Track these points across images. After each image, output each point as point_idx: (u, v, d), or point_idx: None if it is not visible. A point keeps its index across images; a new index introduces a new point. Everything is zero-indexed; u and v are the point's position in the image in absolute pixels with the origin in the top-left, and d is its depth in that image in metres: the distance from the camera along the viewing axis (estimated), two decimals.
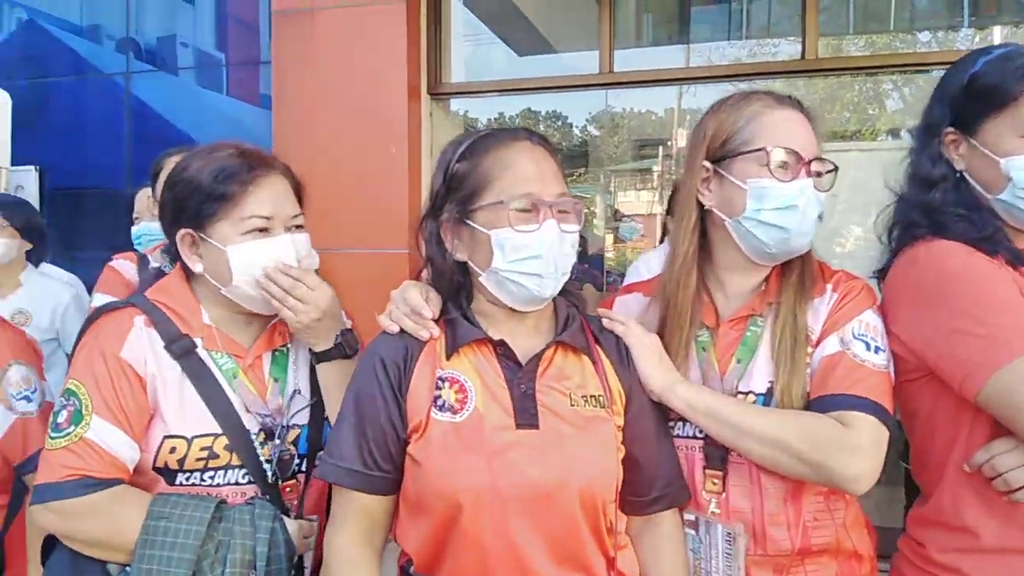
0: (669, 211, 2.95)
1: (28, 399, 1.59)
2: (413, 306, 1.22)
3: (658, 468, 1.23)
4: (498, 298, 1.20)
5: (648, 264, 2.68)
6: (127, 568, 1.21)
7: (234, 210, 1.28)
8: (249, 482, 1.28)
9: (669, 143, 7.97)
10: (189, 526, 1.17)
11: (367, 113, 3.97)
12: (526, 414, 1.14)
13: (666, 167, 8.15)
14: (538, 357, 1.18)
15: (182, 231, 1.32)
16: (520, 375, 1.17)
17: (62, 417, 1.22)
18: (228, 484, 1.28)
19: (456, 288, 1.23)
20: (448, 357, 1.18)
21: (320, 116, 4.03)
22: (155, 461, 1.25)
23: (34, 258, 2.93)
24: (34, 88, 4.37)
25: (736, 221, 1.26)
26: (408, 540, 1.17)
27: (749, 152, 1.24)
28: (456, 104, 4.45)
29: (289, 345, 1.39)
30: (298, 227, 1.35)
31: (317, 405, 1.36)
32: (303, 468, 1.35)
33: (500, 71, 5.03)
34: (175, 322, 1.30)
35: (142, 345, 1.27)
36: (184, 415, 1.26)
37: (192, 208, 1.30)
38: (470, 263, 1.21)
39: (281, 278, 1.27)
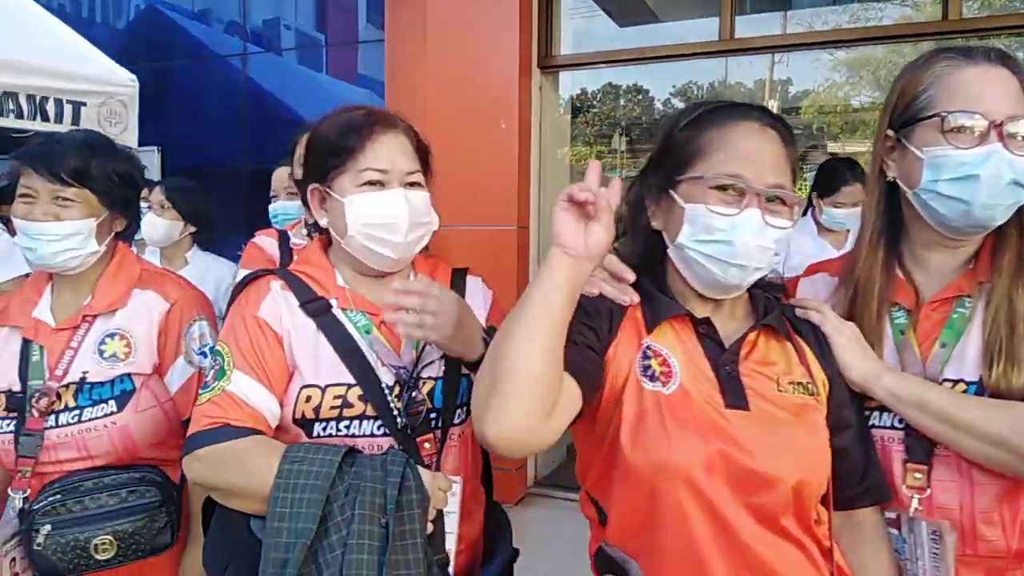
0: (815, 187, 2.81)
1: (205, 354, 1.64)
2: (613, 270, 1.19)
3: (861, 461, 1.16)
4: (685, 277, 1.17)
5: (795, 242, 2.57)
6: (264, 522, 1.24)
7: (352, 163, 1.33)
8: (384, 434, 1.30)
9: (798, 111, 7.65)
10: (320, 468, 1.18)
11: (478, 88, 3.96)
12: (735, 395, 1.10)
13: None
14: (741, 339, 1.14)
15: (311, 186, 1.40)
16: (724, 355, 1.13)
17: (209, 375, 1.31)
18: (364, 435, 1.29)
19: (649, 260, 1.20)
20: (649, 330, 1.15)
21: (431, 91, 4.04)
22: (294, 413, 1.29)
23: (201, 240, 3.05)
24: (154, 71, 4.51)
25: (915, 193, 1.18)
26: (610, 501, 1.15)
27: (927, 118, 1.15)
28: (564, 77, 4.38)
29: None
30: (415, 184, 1.36)
31: (452, 360, 1.36)
32: (440, 424, 1.35)
33: (602, 42, 4.90)
34: (311, 286, 1.37)
35: (277, 305, 1.34)
36: (318, 366, 1.30)
37: (319, 163, 1.38)
38: (664, 233, 1.18)
39: (406, 299, 1.24)
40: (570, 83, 4.56)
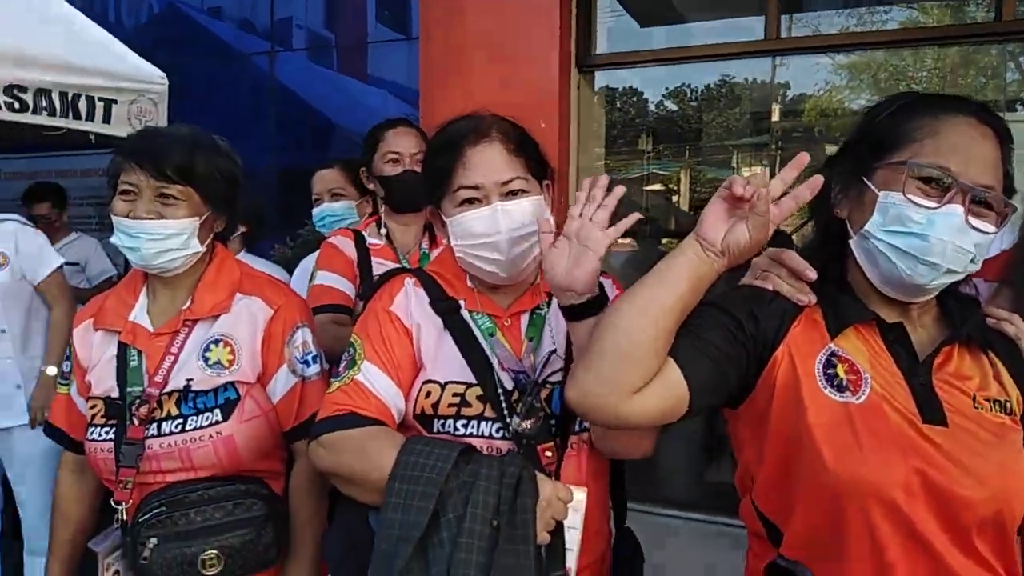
0: None
1: (307, 363, 1.57)
2: (794, 266, 1.13)
3: None
4: (866, 273, 1.10)
5: None
6: None
7: (449, 183, 1.32)
8: (503, 437, 1.28)
9: (799, 114, 7.62)
10: (436, 462, 1.15)
11: (517, 89, 3.88)
12: (931, 409, 1.04)
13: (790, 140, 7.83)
14: (938, 349, 1.08)
15: (429, 209, 1.41)
16: (918, 366, 1.06)
17: (341, 365, 1.32)
18: (482, 436, 1.28)
19: (830, 255, 1.15)
20: (833, 334, 1.09)
21: (469, 92, 3.97)
22: (415, 408, 1.30)
23: (249, 241, 2.99)
24: (172, 69, 4.43)
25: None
26: (788, 517, 1.08)
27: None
28: (600, 77, 4.33)
29: (544, 305, 1.39)
30: (516, 192, 1.29)
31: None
32: (559, 431, 1.30)
33: (633, 42, 4.85)
34: (443, 286, 1.38)
35: (408, 300, 1.36)
36: (440, 363, 1.31)
37: (430, 184, 1.37)
38: (848, 222, 1.12)
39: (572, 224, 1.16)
40: (606, 83, 4.50)
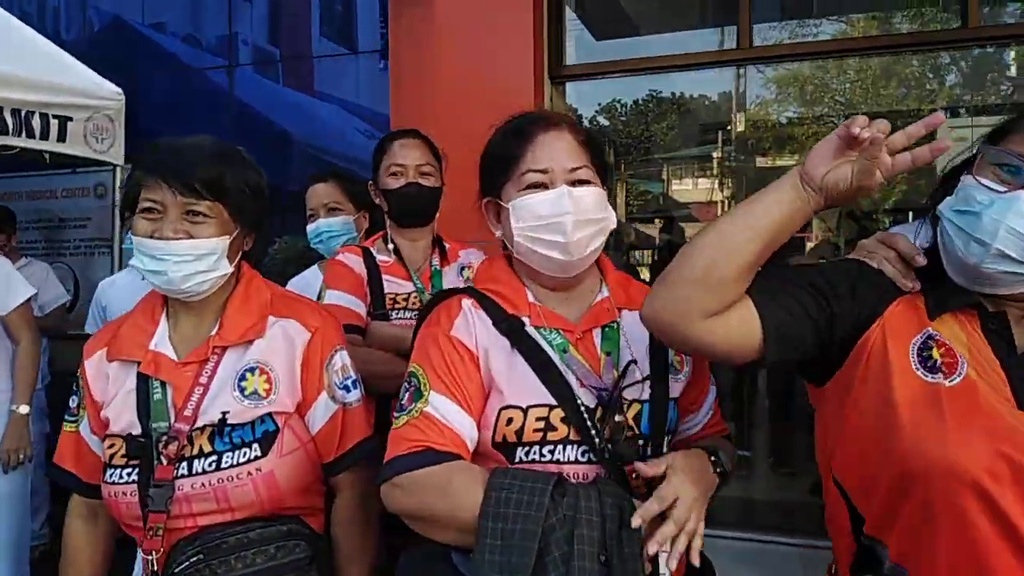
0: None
1: (348, 388, 1.46)
2: (904, 250, 1.13)
3: None
4: (942, 258, 1.10)
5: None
6: (470, 555, 1.13)
7: (515, 169, 1.29)
8: (590, 461, 1.21)
9: (728, 127, 7.79)
10: (531, 497, 1.09)
11: (489, 99, 3.83)
12: None
13: (725, 152, 7.99)
14: None
15: (485, 200, 1.36)
16: (1015, 356, 1.05)
17: (405, 398, 1.24)
18: (568, 462, 1.21)
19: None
20: (932, 317, 1.08)
21: (440, 102, 3.90)
22: (494, 436, 1.22)
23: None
24: (124, 85, 4.24)
25: None
26: (871, 498, 1.06)
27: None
28: (571, 88, 4.31)
29: (619, 320, 1.33)
30: (582, 181, 1.28)
31: (659, 384, 1.29)
32: (648, 452, 1.25)
33: (601, 54, 4.86)
34: (502, 304, 1.30)
35: (470, 324, 1.28)
36: (516, 386, 1.23)
37: (489, 175, 1.35)
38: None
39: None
40: (582, 94, 4.49)
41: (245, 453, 1.32)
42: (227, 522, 1.31)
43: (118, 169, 3.89)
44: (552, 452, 1.20)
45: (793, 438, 4.55)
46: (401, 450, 1.17)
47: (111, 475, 1.34)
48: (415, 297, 2.04)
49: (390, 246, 2.10)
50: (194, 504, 1.30)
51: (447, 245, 2.18)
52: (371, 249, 2.10)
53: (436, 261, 2.12)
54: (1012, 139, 1.05)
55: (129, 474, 1.32)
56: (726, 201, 7.79)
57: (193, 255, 1.32)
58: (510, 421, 1.20)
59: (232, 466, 1.31)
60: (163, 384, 1.36)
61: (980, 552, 0.95)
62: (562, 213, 1.25)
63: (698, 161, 8.32)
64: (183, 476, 1.30)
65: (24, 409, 2.78)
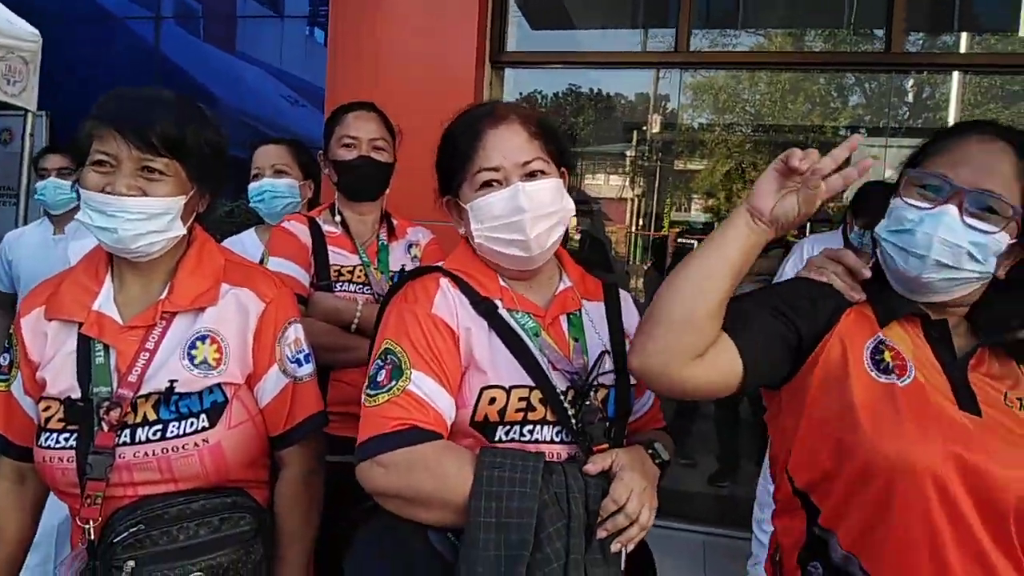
0: (852, 206, 2.88)
1: (300, 362, 1.43)
2: (850, 264, 1.22)
3: None
4: (886, 274, 1.20)
5: (814, 248, 2.65)
6: (449, 535, 1.16)
7: (469, 167, 1.29)
8: (563, 441, 1.25)
9: (644, 128, 7.97)
10: (524, 475, 1.12)
11: (430, 80, 3.80)
12: (967, 399, 1.10)
13: (639, 152, 8.17)
14: (974, 349, 1.15)
15: (445, 199, 1.37)
16: (954, 360, 1.14)
17: (381, 375, 1.21)
18: (545, 441, 1.24)
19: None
20: (882, 325, 1.16)
21: (380, 78, 3.84)
22: (474, 415, 1.22)
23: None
24: (39, 27, 3.98)
25: None
26: (828, 493, 1.13)
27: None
28: (510, 75, 4.30)
29: (581, 310, 1.38)
30: (535, 173, 1.29)
31: (622, 372, 1.33)
32: (612, 434, 1.30)
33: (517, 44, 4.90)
34: (474, 287, 1.31)
35: (450, 303, 1.28)
36: (499, 367, 1.24)
37: (444, 174, 1.36)
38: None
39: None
40: (514, 82, 4.48)
41: (192, 423, 1.28)
42: (169, 493, 1.26)
43: (29, 115, 3.66)
44: (531, 432, 1.23)
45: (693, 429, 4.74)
46: (384, 428, 1.15)
47: (46, 439, 1.27)
48: (360, 270, 2.01)
49: (337, 218, 2.07)
50: (135, 473, 1.25)
51: (395, 221, 2.15)
52: (317, 219, 2.06)
53: (384, 236, 2.09)
54: (931, 161, 1.15)
55: (67, 439, 1.26)
56: (636, 199, 7.99)
57: (146, 214, 1.26)
58: (492, 400, 1.22)
59: (178, 436, 1.26)
60: (106, 347, 1.30)
61: (934, 540, 1.03)
62: (518, 211, 1.26)
63: (611, 158, 8.48)
64: (125, 444, 1.25)
65: None
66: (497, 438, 1.22)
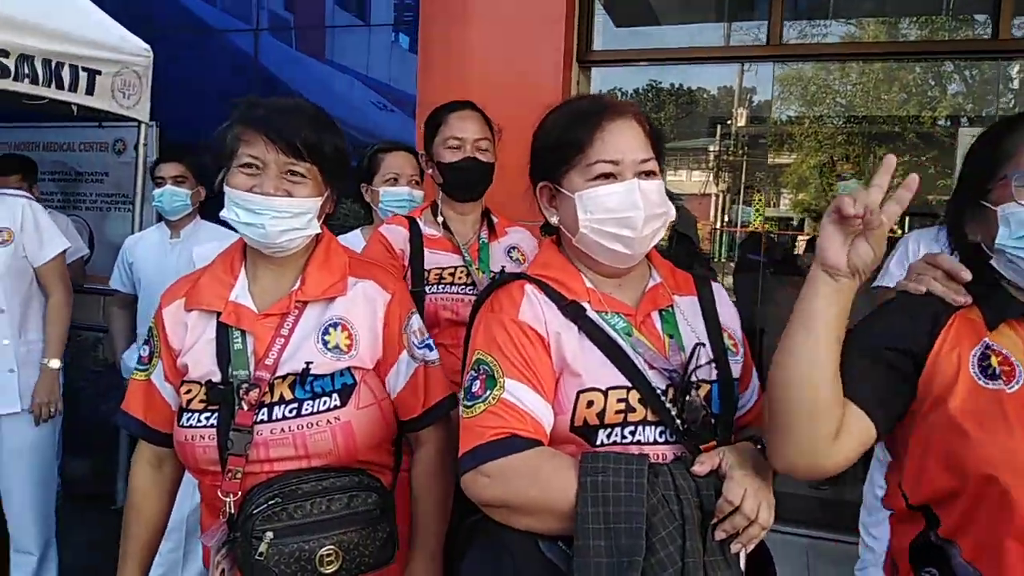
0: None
1: (427, 348, 1.52)
2: (949, 268, 1.18)
3: None
4: (1015, 283, 1.15)
5: (919, 244, 2.59)
6: (559, 542, 1.17)
7: (582, 157, 1.28)
8: (667, 441, 1.23)
9: (728, 122, 7.83)
10: (629, 479, 1.10)
11: (518, 81, 3.85)
12: None
13: (723, 147, 8.04)
14: None
15: (540, 184, 1.36)
16: None
17: (476, 386, 1.23)
18: (648, 443, 1.22)
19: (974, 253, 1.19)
20: (991, 328, 1.13)
21: (468, 82, 3.92)
22: (573, 420, 1.22)
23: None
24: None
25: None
26: (932, 497, 1.11)
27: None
28: (596, 74, 4.33)
29: (673, 306, 1.36)
30: (649, 173, 1.29)
31: (723, 365, 1.32)
32: (719, 431, 1.28)
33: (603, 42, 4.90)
34: (560, 291, 1.31)
35: (537, 308, 1.28)
36: (593, 369, 1.24)
37: (547, 160, 1.34)
38: (982, 245, 1.17)
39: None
40: (600, 81, 4.51)
41: (325, 402, 1.37)
42: (303, 469, 1.35)
43: (143, 126, 3.88)
44: (633, 433, 1.21)
45: None
46: (484, 438, 1.16)
47: (188, 419, 1.38)
48: (462, 271, 2.06)
49: (439, 219, 2.13)
50: (271, 449, 1.34)
51: (495, 219, 2.21)
52: (418, 220, 2.12)
53: (485, 235, 2.15)
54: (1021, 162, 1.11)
55: (207, 418, 1.36)
56: (721, 195, 7.85)
57: (290, 212, 1.37)
58: (590, 404, 1.21)
59: (312, 413, 1.36)
60: (243, 334, 1.40)
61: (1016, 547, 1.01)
62: (633, 207, 1.25)
63: (693, 153, 8.38)
64: (262, 422, 1.35)
65: (55, 363, 2.79)
66: (599, 442, 1.20)
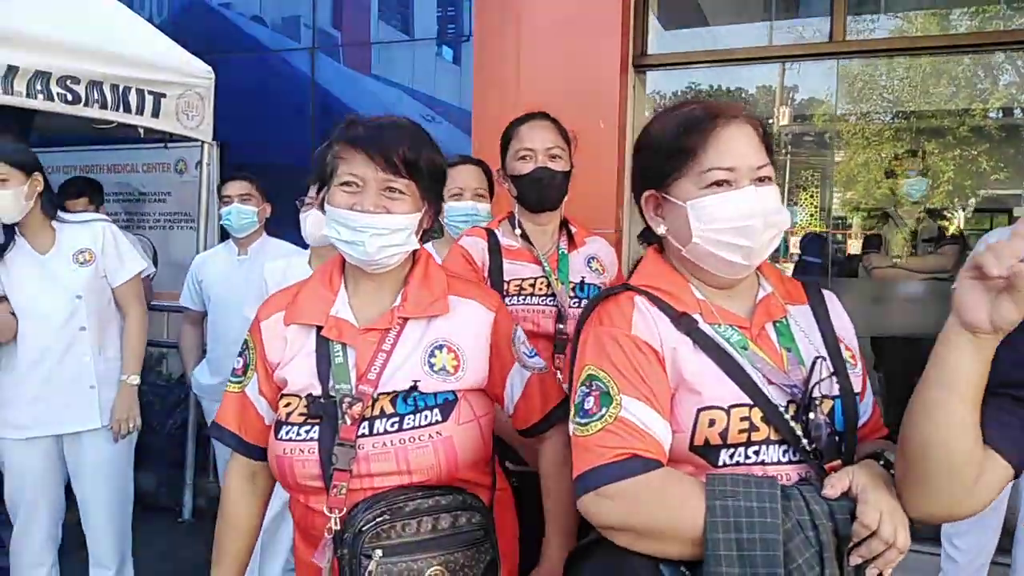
0: None
1: (536, 357, 1.53)
2: None
3: None
4: None
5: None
6: (682, 567, 1.12)
7: (694, 164, 1.22)
8: (791, 461, 1.17)
9: (771, 121, 7.71)
10: (762, 503, 1.05)
11: (575, 87, 3.83)
12: None
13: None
14: None
15: (646, 193, 1.31)
16: None
17: (589, 403, 1.17)
18: (772, 463, 1.17)
19: None
20: None
21: (524, 92, 3.92)
22: (693, 439, 1.16)
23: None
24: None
25: None
26: None
27: None
28: (652, 77, 4.30)
29: (787, 316, 1.30)
30: (765, 179, 1.23)
31: (844, 379, 1.26)
32: (843, 448, 1.23)
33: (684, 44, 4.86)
34: (669, 302, 1.25)
35: (649, 322, 1.23)
36: (713, 386, 1.18)
37: (654, 168, 1.28)
38: None
39: None
40: (654, 84, 4.48)
41: (426, 416, 1.36)
42: (405, 485, 1.34)
43: (205, 145, 3.95)
44: (756, 453, 1.16)
45: None
46: (604, 459, 1.11)
47: (287, 432, 1.38)
48: (542, 282, 2.05)
49: (517, 231, 2.11)
50: (372, 464, 1.33)
51: (574, 229, 2.19)
52: (496, 232, 2.11)
53: (564, 245, 2.13)
54: None
55: (307, 431, 1.36)
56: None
57: (390, 229, 1.36)
58: (712, 422, 1.15)
59: (414, 428, 1.35)
60: (344, 348, 1.40)
61: None
62: (751, 216, 1.19)
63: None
64: (363, 435, 1.34)
65: (135, 379, 2.84)
66: (720, 462, 1.15)
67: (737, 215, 1.19)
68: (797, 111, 7.55)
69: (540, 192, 2.09)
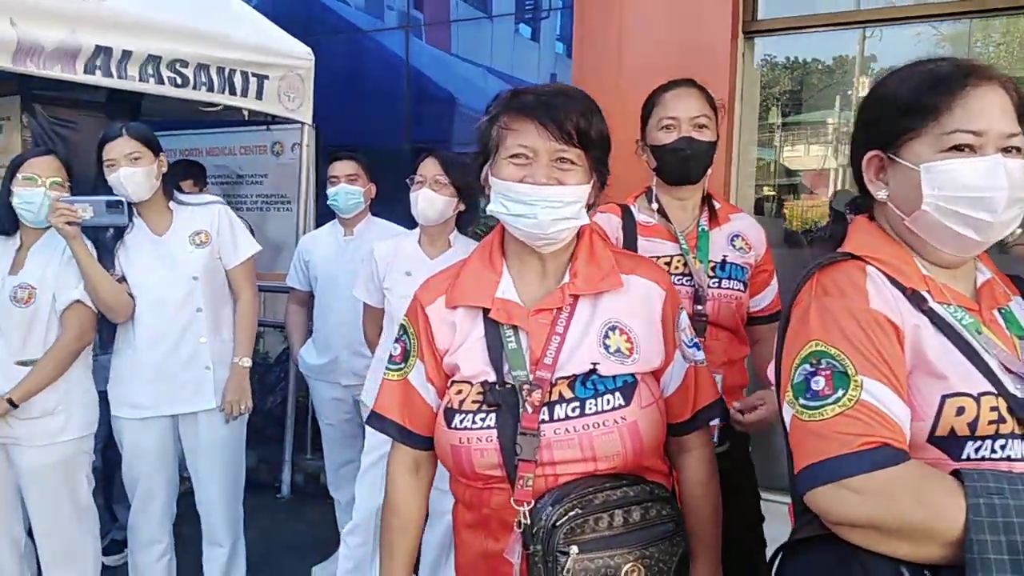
0: None
1: (697, 346, 1.42)
2: None
3: None
4: None
5: None
6: (925, 571, 0.99)
7: (935, 125, 1.10)
8: None
9: (849, 92, 7.30)
10: None
11: (680, 55, 3.67)
12: None
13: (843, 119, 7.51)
14: None
15: (870, 154, 1.19)
16: None
17: (818, 384, 1.05)
18: (1018, 459, 1.04)
19: None
20: None
21: (627, 59, 3.78)
22: (935, 429, 1.04)
23: (463, 221, 2.83)
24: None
25: None
26: None
27: None
28: (760, 43, 4.09)
29: (1011, 304, 1.18)
30: (1015, 149, 1.09)
31: None
32: None
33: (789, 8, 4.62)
34: (894, 276, 1.13)
35: (886, 295, 1.10)
36: (960, 372, 1.06)
37: (884, 126, 1.16)
38: None
39: None
40: (763, 50, 4.27)
41: (608, 400, 1.27)
42: (591, 474, 1.26)
43: (305, 127, 3.95)
44: (1003, 447, 1.04)
45: None
46: (848, 448, 1.00)
47: (461, 420, 1.31)
48: (679, 260, 1.94)
49: (654, 205, 2.00)
50: (555, 451, 1.26)
51: (717, 204, 2.06)
52: (631, 208, 2.01)
53: (705, 222, 2.01)
54: None
55: (483, 420, 1.29)
56: (840, 168, 7.36)
57: (562, 201, 1.28)
58: (961, 411, 1.03)
59: (597, 412, 1.26)
60: (515, 331, 1.33)
61: None
62: (995, 188, 1.07)
63: (811, 127, 7.91)
64: (544, 422, 1.26)
65: (246, 362, 2.83)
66: (964, 455, 1.04)
67: (978, 184, 1.08)
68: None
69: (682, 164, 1.96)
